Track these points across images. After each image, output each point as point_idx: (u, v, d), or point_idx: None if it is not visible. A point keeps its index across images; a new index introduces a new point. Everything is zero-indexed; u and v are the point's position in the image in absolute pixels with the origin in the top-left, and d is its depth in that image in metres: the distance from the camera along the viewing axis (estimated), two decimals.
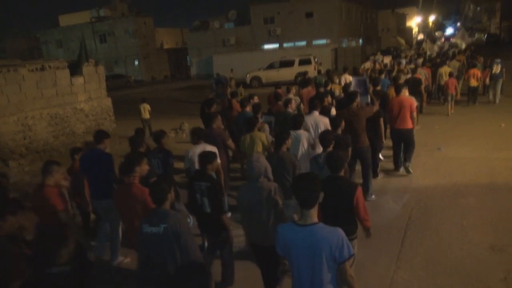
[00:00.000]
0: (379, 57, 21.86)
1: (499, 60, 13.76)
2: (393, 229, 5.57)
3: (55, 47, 46.23)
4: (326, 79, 11.19)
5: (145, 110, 12.60)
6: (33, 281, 2.29)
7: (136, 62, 44.79)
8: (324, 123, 6.25)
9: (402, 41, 41.85)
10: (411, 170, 7.65)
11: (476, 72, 13.48)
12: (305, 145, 5.59)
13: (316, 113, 6.48)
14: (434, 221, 5.70)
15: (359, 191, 3.62)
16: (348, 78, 11.90)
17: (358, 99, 6.73)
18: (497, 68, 13.47)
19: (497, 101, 13.69)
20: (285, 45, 37.37)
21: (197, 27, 43.81)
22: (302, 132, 5.68)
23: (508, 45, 42.63)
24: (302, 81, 10.08)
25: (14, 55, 38.35)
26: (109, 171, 5.03)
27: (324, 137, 4.72)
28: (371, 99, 7.84)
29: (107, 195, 4.78)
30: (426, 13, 72.29)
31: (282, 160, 4.55)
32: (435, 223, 5.62)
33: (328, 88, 9.55)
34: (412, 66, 14.90)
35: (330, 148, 4.64)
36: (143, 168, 4.20)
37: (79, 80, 11.95)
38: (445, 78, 13.13)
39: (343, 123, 5.77)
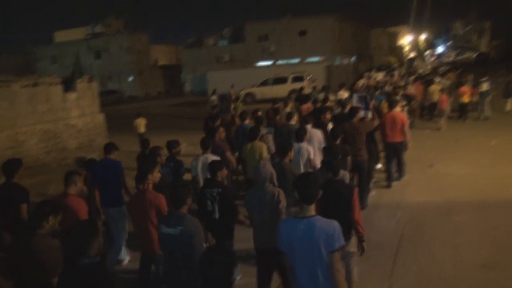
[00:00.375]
0: (373, 74, 22.73)
1: (486, 79, 14.42)
2: (386, 245, 5.54)
3: (50, 63, 46.28)
4: (324, 95, 11.45)
5: (141, 124, 12.64)
6: (67, 272, 2.56)
7: (131, 78, 44.95)
8: (317, 136, 6.48)
9: (393, 60, 42.61)
10: (402, 180, 8.04)
11: (467, 89, 14.05)
12: (305, 156, 5.82)
13: (309, 126, 6.66)
14: (426, 238, 5.69)
15: (356, 191, 3.91)
16: (344, 94, 12.25)
17: (360, 114, 7.06)
18: (485, 86, 14.10)
19: (485, 117, 14.24)
20: (279, 62, 37.76)
21: (192, 44, 44.23)
22: (304, 145, 5.91)
23: (498, 64, 43.44)
24: (301, 97, 10.38)
25: (8, 71, 38.28)
26: (120, 177, 5.35)
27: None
28: (372, 114, 8.12)
29: (116, 203, 5.08)
30: (417, 32, 73.74)
31: (283, 170, 4.76)
32: (427, 240, 5.61)
33: (327, 104, 9.83)
34: (403, 82, 15.22)
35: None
36: (155, 175, 4.44)
37: (72, 96, 11.94)
38: (436, 95, 13.47)
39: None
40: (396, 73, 18.54)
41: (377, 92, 11.91)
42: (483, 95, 14.20)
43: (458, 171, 8.59)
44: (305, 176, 3.10)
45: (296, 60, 37.25)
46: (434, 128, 13.02)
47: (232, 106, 14.30)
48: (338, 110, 9.00)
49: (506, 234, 5.60)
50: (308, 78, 26.42)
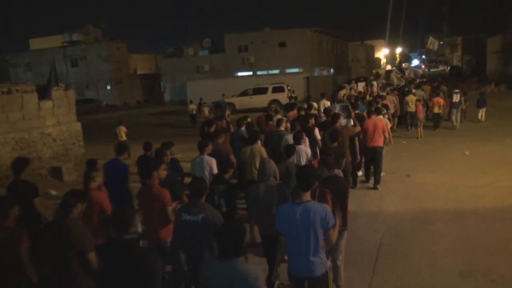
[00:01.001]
0: (353, 85, 23.93)
1: (458, 91, 15.19)
2: (365, 255, 5.58)
3: (24, 71, 45.19)
4: (307, 103, 12.25)
5: (122, 132, 13.01)
6: (110, 245, 3.19)
7: (109, 87, 44.30)
8: (304, 139, 6.93)
9: (381, 71, 43.50)
10: (378, 187, 8.46)
11: (439, 100, 14.80)
12: (304, 157, 6.42)
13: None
14: (404, 247, 5.76)
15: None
16: (326, 103, 13.10)
17: (341, 120, 8.01)
18: (456, 98, 14.87)
19: (458, 126, 14.98)
20: (258, 73, 38.00)
21: (172, 54, 44.04)
22: (302, 147, 6.50)
23: (470, 77, 44.96)
24: (288, 105, 11.40)
25: None
26: (125, 180, 5.79)
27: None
28: (354, 122, 8.75)
29: (122, 202, 5.28)
30: (393, 45, 75.71)
31: (288, 168, 5.22)
32: (405, 250, 5.68)
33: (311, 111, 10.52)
34: (384, 93, 15.84)
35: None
36: (161, 173, 4.84)
37: (47, 104, 11.63)
38: (411, 105, 14.24)
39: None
40: (375, 83, 19.82)
41: (358, 102, 12.37)
42: (455, 105, 15.00)
43: (434, 181, 8.77)
44: (306, 167, 4.13)
45: (275, 71, 37.58)
46: (413, 137, 13.50)
47: (228, 112, 15.67)
48: (323, 118, 9.60)
49: (481, 242, 5.72)
50: (288, 89, 26.65)
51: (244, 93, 27.79)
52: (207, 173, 5.71)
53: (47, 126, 11.60)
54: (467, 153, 11.07)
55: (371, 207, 7.46)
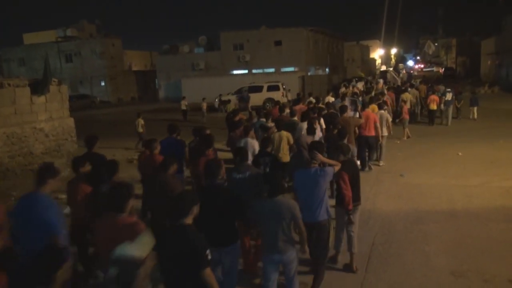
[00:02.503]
0: (354, 83, 26.78)
1: (450, 90, 16.62)
2: (357, 254, 5.54)
3: (17, 66, 44.75)
4: (316, 98, 14.21)
5: (139, 124, 14.04)
6: (207, 189, 4.12)
7: (103, 83, 43.99)
8: (316, 126, 7.82)
9: (361, 74, 44.20)
10: (372, 167, 9.81)
11: (435, 98, 15.99)
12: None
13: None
14: (397, 247, 5.76)
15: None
16: (330, 99, 14.61)
17: (349, 111, 9.67)
18: (449, 96, 16.10)
19: (449, 123, 16.12)
20: (254, 71, 37.93)
21: (167, 51, 43.82)
22: (316, 137, 7.33)
23: (464, 79, 45.27)
24: (295, 100, 12.98)
25: None
26: (184, 153, 6.43)
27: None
28: (359, 114, 10.17)
29: (178, 172, 5.65)
30: (388, 46, 75.93)
31: (317, 176, 4.80)
32: (398, 249, 5.68)
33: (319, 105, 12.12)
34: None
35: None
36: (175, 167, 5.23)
37: (40, 99, 11.53)
38: (408, 102, 15.05)
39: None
40: (380, 81, 22.81)
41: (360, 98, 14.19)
42: (447, 103, 16.09)
43: (427, 181, 8.79)
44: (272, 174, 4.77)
45: (271, 70, 37.55)
46: (405, 136, 13.55)
47: (249, 105, 18.22)
48: (326, 111, 10.47)
49: (474, 242, 5.74)
50: (283, 88, 26.66)
51: (239, 91, 27.71)
52: (249, 153, 6.16)
53: (40, 121, 11.49)
54: (460, 153, 11.13)
55: (364, 206, 7.41)
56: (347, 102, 11.60)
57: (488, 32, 45.22)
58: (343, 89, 21.35)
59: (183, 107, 23.22)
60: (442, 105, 16.11)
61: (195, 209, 3.21)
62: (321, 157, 4.76)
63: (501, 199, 7.45)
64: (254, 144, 6.89)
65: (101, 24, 52.53)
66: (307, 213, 4.38)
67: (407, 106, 14.24)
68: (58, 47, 44.15)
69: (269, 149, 6.34)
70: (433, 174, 9.36)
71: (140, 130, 13.88)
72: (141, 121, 14.07)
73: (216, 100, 26.85)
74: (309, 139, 6.48)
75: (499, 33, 38.66)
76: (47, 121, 11.71)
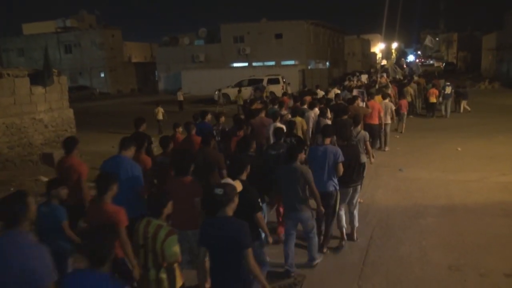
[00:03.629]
0: (359, 76, 28.37)
1: (449, 83, 17.50)
2: (355, 248, 5.61)
3: (17, 56, 44.58)
4: (325, 90, 16.08)
5: (159, 112, 15.55)
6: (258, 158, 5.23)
7: (102, 74, 43.85)
8: (315, 114, 8.84)
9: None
10: (386, 149, 11.13)
11: (435, 91, 16.77)
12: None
13: (316, 109, 9.08)
14: (394, 240, 5.79)
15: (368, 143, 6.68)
16: (337, 91, 15.24)
17: (358, 101, 10.61)
18: (448, 90, 16.89)
19: (448, 115, 16.87)
20: (254, 64, 37.81)
21: (167, 43, 43.61)
22: (327, 121, 8.10)
23: (464, 74, 45.19)
24: (303, 92, 14.20)
25: None
26: (213, 135, 6.47)
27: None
28: (366, 104, 11.09)
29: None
30: (389, 40, 75.64)
31: (326, 152, 5.38)
32: (395, 243, 5.71)
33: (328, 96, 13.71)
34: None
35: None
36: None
37: (39, 90, 11.48)
38: (409, 95, 16.00)
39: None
40: (384, 75, 24.10)
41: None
42: (446, 96, 16.89)
43: (426, 176, 8.82)
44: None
45: (271, 63, 37.45)
46: (404, 134, 13.50)
47: (265, 94, 20.03)
48: (334, 102, 11.28)
49: (471, 237, 5.78)
50: (283, 81, 26.62)
51: (239, 84, 27.63)
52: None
53: (39, 112, 11.46)
54: (459, 149, 11.15)
55: (363, 199, 7.47)
56: (355, 93, 12.75)
57: (489, 27, 45.10)
58: (347, 82, 22.72)
59: (180, 98, 24.01)
60: (440, 98, 16.89)
61: (248, 169, 4.18)
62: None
63: (499, 194, 7.48)
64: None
65: (101, 15, 52.27)
66: (318, 184, 4.96)
67: (406, 100, 14.51)
68: (58, 38, 43.96)
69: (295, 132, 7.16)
70: (432, 169, 9.39)
71: (160, 117, 15.51)
72: (161, 109, 15.73)
73: (216, 93, 26.84)
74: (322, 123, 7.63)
75: (501, 29, 38.53)
76: (46, 112, 11.68)
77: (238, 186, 3.57)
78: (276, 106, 9.99)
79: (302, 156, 5.04)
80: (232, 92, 27.15)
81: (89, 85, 40.93)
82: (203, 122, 7.90)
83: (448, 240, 5.73)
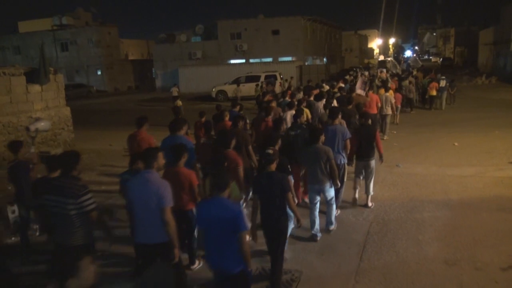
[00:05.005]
0: (362, 72, 29.54)
1: (444, 77, 18.51)
2: (352, 243, 5.63)
3: (13, 54, 44.34)
4: (330, 84, 16.84)
5: (175, 91, 18.28)
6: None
7: (99, 72, 43.69)
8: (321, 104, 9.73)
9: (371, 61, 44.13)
10: (385, 138, 11.87)
11: (435, 84, 17.65)
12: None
13: (323, 100, 9.96)
14: (391, 235, 5.82)
15: (378, 133, 7.05)
16: (341, 85, 16.54)
17: (359, 90, 12.09)
18: (442, 83, 17.82)
19: (443, 107, 17.83)
20: (251, 60, 37.73)
21: (164, 40, 43.43)
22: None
23: (461, 69, 45.22)
24: (309, 87, 14.57)
25: None
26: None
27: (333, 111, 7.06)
28: (367, 94, 12.18)
29: None
30: (386, 36, 75.55)
31: (335, 130, 6.53)
32: (392, 238, 5.74)
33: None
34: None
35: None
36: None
37: (36, 88, 11.46)
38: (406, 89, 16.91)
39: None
40: (384, 70, 25.75)
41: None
42: (441, 90, 17.78)
43: (423, 171, 8.85)
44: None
45: (268, 59, 37.36)
46: (397, 130, 13.57)
47: (277, 87, 22.16)
48: (339, 94, 12.38)
49: (467, 231, 5.81)
50: (280, 78, 26.60)
51: (236, 81, 27.61)
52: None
53: (36, 110, 11.44)
54: (456, 144, 11.18)
55: (360, 195, 7.49)
56: (360, 81, 13.76)
57: (486, 22, 45.09)
58: (347, 77, 24.20)
59: (175, 94, 24.42)
60: (439, 93, 17.80)
61: (279, 142, 5.60)
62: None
63: (495, 189, 7.52)
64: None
65: (97, 12, 52.05)
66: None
67: (400, 95, 15.42)
68: (54, 36, 43.72)
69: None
70: (429, 164, 9.42)
71: (175, 94, 17.58)
72: (179, 103, 17.08)
73: (213, 90, 26.84)
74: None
75: (497, 23, 38.53)
76: (43, 110, 11.66)
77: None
78: (287, 98, 11.46)
79: (323, 138, 5.82)
80: (229, 89, 27.14)
81: (86, 83, 40.80)
82: (232, 110, 9.13)
83: (445, 234, 5.77)
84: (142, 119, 6.78)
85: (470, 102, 20.24)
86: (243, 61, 38.05)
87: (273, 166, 4.55)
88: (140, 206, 3.90)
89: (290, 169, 5.61)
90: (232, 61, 38.62)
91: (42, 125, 8.21)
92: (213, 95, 27.15)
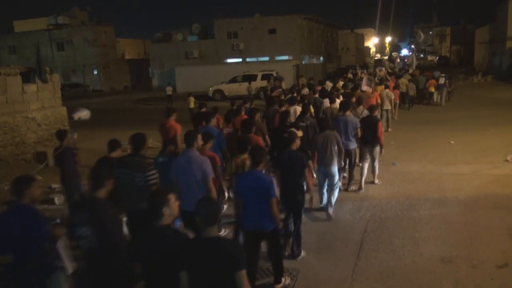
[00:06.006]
0: (364, 70, 31.55)
1: (443, 75, 19.75)
2: (349, 241, 5.66)
3: (8, 53, 44.13)
4: (333, 82, 17.90)
5: (191, 101, 17.28)
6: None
7: (95, 72, 43.54)
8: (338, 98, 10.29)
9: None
10: (389, 130, 12.79)
11: (434, 81, 18.97)
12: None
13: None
14: (388, 233, 5.85)
15: (380, 121, 8.00)
16: (341, 83, 17.36)
17: (364, 87, 13.04)
18: (441, 80, 18.88)
19: (443, 103, 18.81)
20: (248, 59, 37.71)
21: (160, 39, 43.36)
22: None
23: (457, 68, 45.38)
24: (311, 84, 15.84)
25: None
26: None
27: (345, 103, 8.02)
28: (372, 90, 13.24)
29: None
30: (382, 34, 75.70)
31: (346, 119, 7.45)
32: (389, 236, 5.77)
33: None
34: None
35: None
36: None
37: (31, 88, 11.41)
38: (402, 86, 17.51)
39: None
40: (383, 69, 27.71)
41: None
42: (440, 86, 18.84)
43: (419, 169, 8.89)
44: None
45: (265, 58, 37.36)
46: (396, 129, 13.65)
47: (301, 82, 23.33)
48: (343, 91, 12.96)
49: (463, 229, 5.85)
50: (274, 75, 26.55)
51: (233, 80, 27.58)
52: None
53: (32, 110, 11.40)
54: (452, 142, 11.23)
55: (356, 194, 7.53)
56: (365, 79, 14.54)
57: (482, 21, 45.26)
58: (348, 75, 26.11)
59: (168, 92, 25.31)
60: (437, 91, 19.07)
61: (300, 133, 5.85)
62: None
63: (491, 186, 7.56)
64: (298, 110, 8.98)
65: (93, 11, 51.90)
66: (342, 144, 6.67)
67: (398, 91, 16.22)
68: (50, 35, 43.53)
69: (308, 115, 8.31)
70: (425, 162, 9.46)
71: (192, 106, 16.86)
72: (192, 99, 17.55)
73: (210, 89, 26.83)
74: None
75: (493, 22, 38.69)
76: (39, 110, 11.62)
77: (299, 133, 5.77)
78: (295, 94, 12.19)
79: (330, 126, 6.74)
80: (226, 88, 27.12)
81: (82, 82, 40.64)
82: (245, 107, 9.80)
83: (441, 232, 5.80)
84: (170, 110, 7.75)
85: (466, 101, 20.34)
86: (239, 60, 38.04)
87: (294, 146, 5.20)
88: (185, 180, 4.62)
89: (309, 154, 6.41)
90: (229, 60, 38.60)
91: (84, 114, 8.87)
92: (210, 94, 27.11)
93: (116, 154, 5.27)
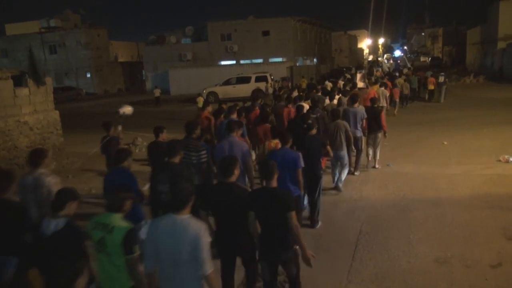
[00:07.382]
0: (359, 71, 31.64)
1: (443, 73, 21.58)
2: (344, 243, 5.66)
3: (0, 57, 43.76)
4: (333, 82, 20.68)
5: (200, 101, 18.39)
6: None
7: (88, 75, 43.30)
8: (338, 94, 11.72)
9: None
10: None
11: (433, 80, 20.46)
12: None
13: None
14: (383, 234, 5.86)
15: (383, 111, 9.46)
16: (340, 83, 19.42)
17: (361, 84, 17.16)
18: (441, 79, 20.30)
19: (442, 101, 20.02)
20: (242, 61, 37.71)
21: (154, 41, 43.22)
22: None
23: (450, 68, 45.69)
24: (311, 85, 16.53)
25: None
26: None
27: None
28: (367, 86, 15.10)
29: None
30: (375, 36, 76.08)
31: (355, 111, 8.62)
32: (384, 237, 5.78)
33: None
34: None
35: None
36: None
37: (23, 92, 11.30)
38: (398, 86, 18.30)
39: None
40: (380, 69, 29.96)
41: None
42: (440, 85, 20.10)
43: (413, 170, 8.93)
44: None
45: (259, 60, 37.37)
46: (391, 115, 14.17)
47: (289, 83, 25.60)
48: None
49: (457, 229, 5.87)
50: (271, 79, 26.62)
51: (227, 82, 27.57)
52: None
53: (24, 114, 11.29)
54: (445, 142, 11.30)
55: (352, 195, 7.55)
56: (359, 76, 16.97)
57: (474, 22, 45.61)
58: (346, 75, 28.49)
59: (156, 95, 26.51)
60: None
61: (315, 127, 6.71)
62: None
63: (484, 186, 7.61)
64: (306, 106, 9.63)
65: (86, 14, 51.64)
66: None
67: (398, 89, 17.59)
68: (42, 38, 43.25)
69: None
70: (419, 163, 9.51)
71: (201, 106, 17.93)
72: (201, 99, 19.11)
73: (204, 91, 26.80)
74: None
75: (484, 23, 39.02)
76: (31, 114, 11.51)
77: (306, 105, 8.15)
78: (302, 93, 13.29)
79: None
80: (220, 90, 27.09)
81: (75, 85, 40.41)
82: (259, 104, 10.63)
83: (435, 233, 5.82)
84: (206, 103, 9.40)
85: (459, 101, 20.50)
86: (233, 62, 38.02)
87: (313, 131, 6.41)
88: None
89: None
90: (223, 63, 38.56)
91: (128, 109, 9.65)
92: (204, 96, 27.05)
93: (162, 137, 6.38)
